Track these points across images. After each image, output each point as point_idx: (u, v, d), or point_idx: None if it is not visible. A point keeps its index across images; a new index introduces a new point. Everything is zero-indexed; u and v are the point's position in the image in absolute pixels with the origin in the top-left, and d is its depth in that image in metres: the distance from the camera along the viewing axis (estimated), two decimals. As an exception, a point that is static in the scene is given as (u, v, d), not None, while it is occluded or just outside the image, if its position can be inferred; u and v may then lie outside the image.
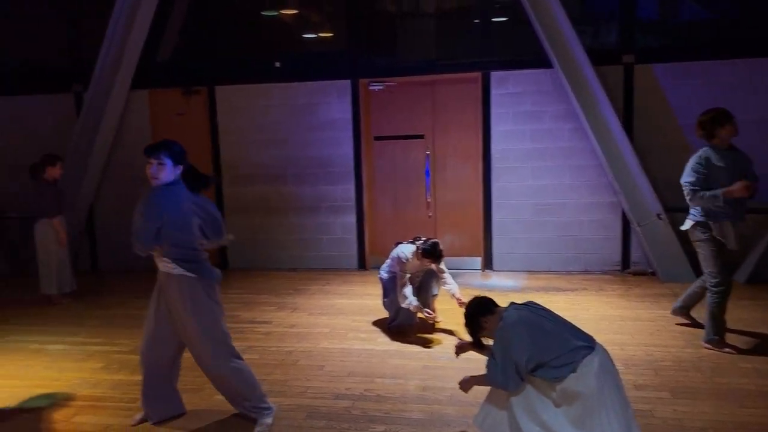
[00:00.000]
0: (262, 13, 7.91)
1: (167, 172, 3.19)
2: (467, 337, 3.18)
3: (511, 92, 7.02)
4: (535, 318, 2.88)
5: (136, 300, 6.44)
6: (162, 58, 7.84)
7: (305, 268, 7.64)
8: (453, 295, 4.98)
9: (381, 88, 7.45)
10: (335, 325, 5.40)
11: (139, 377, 4.31)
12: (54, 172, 6.25)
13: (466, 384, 3.10)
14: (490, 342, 2.99)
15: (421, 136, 7.45)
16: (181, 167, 3.26)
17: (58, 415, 3.77)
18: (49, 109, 7.90)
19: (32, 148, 7.89)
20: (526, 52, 6.94)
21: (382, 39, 7.74)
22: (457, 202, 7.47)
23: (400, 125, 7.48)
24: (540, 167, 7.03)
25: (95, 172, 7.68)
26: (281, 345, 4.92)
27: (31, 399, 4.01)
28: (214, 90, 7.61)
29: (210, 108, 7.65)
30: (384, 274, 5.22)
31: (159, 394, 3.54)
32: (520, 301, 3.04)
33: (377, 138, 7.56)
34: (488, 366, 2.92)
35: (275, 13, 7.92)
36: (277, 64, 7.50)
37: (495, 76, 7.03)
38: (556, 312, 3.00)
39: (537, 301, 3.06)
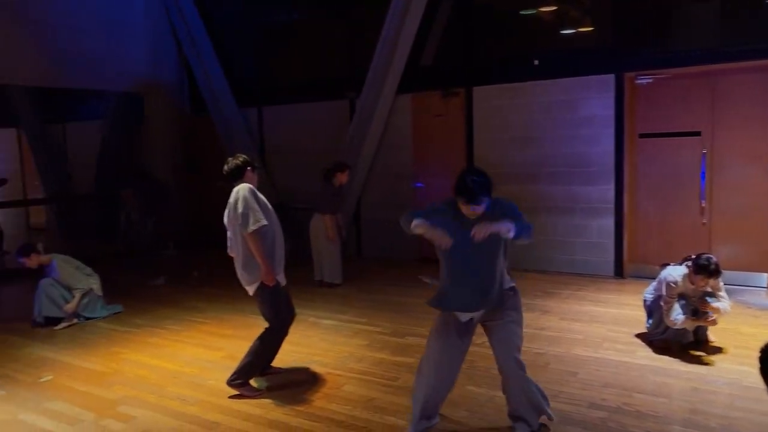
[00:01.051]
0: (521, 12, 7.90)
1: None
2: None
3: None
4: None
5: (393, 287, 6.99)
6: (424, 63, 8.33)
7: (555, 270, 7.42)
8: (717, 310, 4.39)
9: (649, 81, 6.86)
10: (589, 333, 5.14)
11: (399, 358, 4.68)
12: (342, 177, 7.07)
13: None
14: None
15: (696, 133, 6.66)
16: None
17: (331, 383, 4.26)
18: (329, 114, 8.97)
19: (314, 148, 9.13)
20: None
21: (651, 29, 7.12)
22: (739, 208, 6.52)
23: (671, 121, 6.79)
24: None
25: (363, 170, 8.50)
26: (531, 346, 4.85)
27: (310, 364, 4.59)
28: (472, 91, 7.83)
29: (467, 109, 7.89)
30: (648, 296, 4.81)
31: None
32: None
33: (642, 135, 6.98)
34: None
35: (533, 12, 7.84)
36: (536, 62, 7.40)
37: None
38: None
39: None
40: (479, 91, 7.79)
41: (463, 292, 3.17)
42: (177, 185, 10.08)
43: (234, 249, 4.17)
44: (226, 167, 4.13)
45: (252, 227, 3.90)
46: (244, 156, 4.22)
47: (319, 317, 5.85)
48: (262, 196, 4.07)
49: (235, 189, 4.05)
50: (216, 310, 6.26)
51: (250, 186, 4.04)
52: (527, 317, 5.54)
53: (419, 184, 8.30)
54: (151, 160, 9.97)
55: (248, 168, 4.14)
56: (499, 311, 3.25)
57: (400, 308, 6.09)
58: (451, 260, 3.17)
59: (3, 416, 3.90)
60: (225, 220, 4.15)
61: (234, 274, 4.19)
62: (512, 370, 3.28)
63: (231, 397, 4.04)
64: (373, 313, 5.96)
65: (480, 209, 3.05)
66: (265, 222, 3.96)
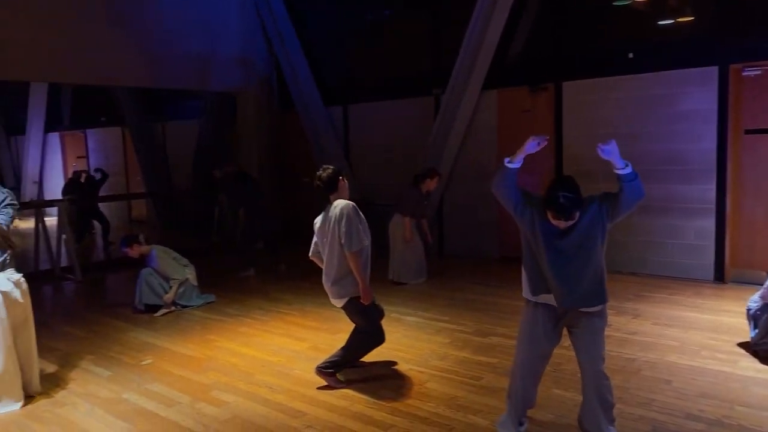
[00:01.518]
0: (614, 3, 7.55)
1: None
2: None
3: None
4: None
5: (476, 286, 6.92)
6: (511, 58, 8.16)
7: (647, 273, 7.07)
8: None
9: (757, 73, 6.38)
10: (686, 340, 4.86)
11: (482, 357, 4.63)
12: (431, 184, 7.10)
13: None
14: None
15: (811, 128, 6.15)
16: None
17: (413, 379, 4.27)
18: (413, 111, 8.98)
19: (398, 145, 9.19)
20: None
21: (759, 16, 6.61)
22: None
23: (782, 116, 6.30)
24: None
25: (447, 167, 8.45)
26: (621, 350, 4.66)
27: (392, 360, 4.63)
28: (561, 86, 7.60)
29: (556, 104, 7.66)
30: (753, 304, 4.48)
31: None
32: None
33: (748, 131, 6.51)
34: None
35: (627, 2, 7.48)
36: (630, 55, 7.08)
37: None
38: None
39: None
40: (569, 86, 7.55)
41: (556, 289, 3.08)
42: (267, 181, 10.45)
43: (318, 256, 4.25)
44: (318, 181, 4.16)
45: (355, 248, 3.98)
46: (333, 166, 4.24)
47: (401, 314, 5.88)
48: (361, 214, 4.11)
49: (337, 204, 4.07)
50: (301, 302, 6.44)
51: (354, 204, 4.07)
52: (617, 320, 5.37)
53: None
54: (243, 157, 10.37)
55: (340, 177, 4.19)
56: (586, 316, 3.13)
57: (484, 307, 6.02)
58: (542, 256, 3.08)
59: (109, 395, 4.20)
60: (317, 226, 4.22)
61: (317, 270, 4.29)
62: (595, 381, 3.14)
63: (319, 388, 4.14)
64: (455, 311, 5.93)
65: (572, 222, 2.98)
66: (368, 243, 4.05)
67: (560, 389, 3.95)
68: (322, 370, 4.17)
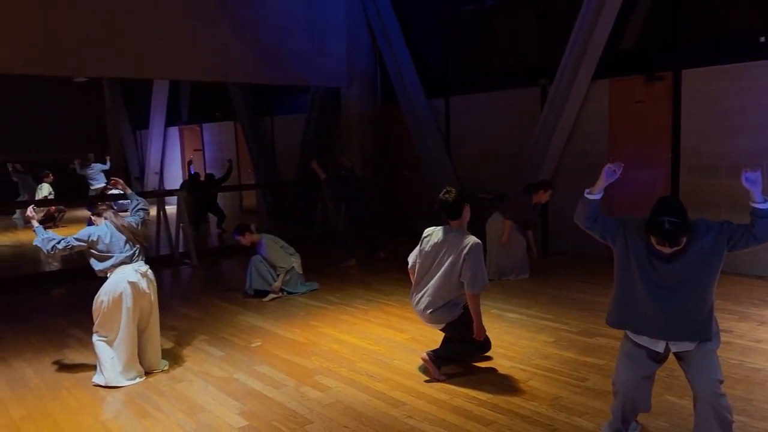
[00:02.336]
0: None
1: None
2: None
3: None
4: None
5: (582, 284, 6.66)
6: (625, 45, 7.74)
7: (776, 277, 6.50)
8: None
9: None
10: (821, 351, 4.42)
11: (587, 358, 4.46)
12: (543, 197, 6.91)
13: None
14: None
15: None
16: None
17: (515, 377, 4.18)
18: (518, 102, 8.76)
19: (501, 137, 9.01)
20: None
21: None
22: None
23: None
24: None
25: (553, 160, 8.17)
26: (744, 359, 4.31)
27: (493, 356, 4.55)
28: (680, 74, 7.10)
29: (673, 94, 7.17)
30: None
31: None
32: None
33: None
34: None
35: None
36: (762, 39, 6.48)
37: None
38: None
39: None
40: (689, 74, 7.04)
41: (654, 320, 2.87)
42: (369, 174, 10.62)
43: (420, 273, 4.17)
44: (442, 204, 4.09)
45: (478, 289, 3.98)
46: (455, 189, 4.12)
47: (502, 310, 5.78)
48: None
49: (467, 240, 3.98)
50: (400, 293, 6.48)
51: (480, 243, 4.02)
52: (741, 327, 4.98)
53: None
54: (347, 150, 10.60)
55: (465, 204, 4.09)
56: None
57: (589, 306, 5.77)
58: (641, 284, 2.88)
59: (221, 374, 4.45)
60: (428, 242, 4.13)
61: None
62: (711, 401, 2.82)
63: (426, 381, 4.15)
64: (560, 309, 5.73)
65: (677, 248, 2.75)
66: (488, 282, 4.04)
67: (674, 396, 3.72)
68: (434, 357, 4.14)
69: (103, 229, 4.32)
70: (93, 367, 4.44)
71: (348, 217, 8.36)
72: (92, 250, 4.29)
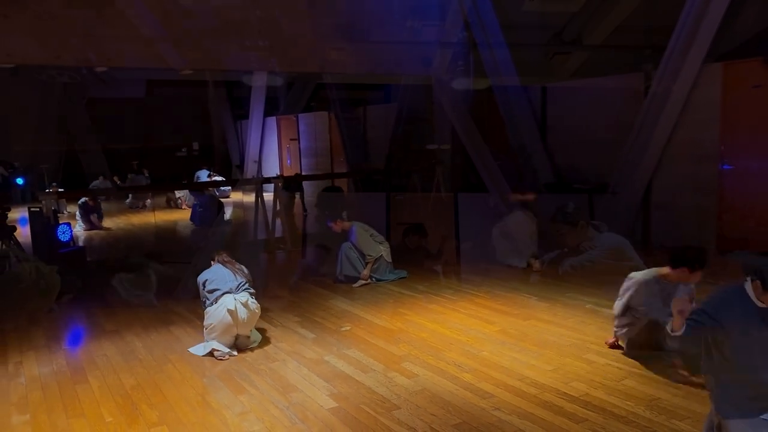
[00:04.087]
0: None
1: None
2: None
3: None
4: None
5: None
6: (740, 26, 7.14)
7: None
8: None
9: None
10: None
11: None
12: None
13: None
14: None
15: None
16: None
17: (609, 374, 4.01)
18: (619, 88, 8.34)
19: (600, 125, 8.62)
20: None
21: None
22: None
23: None
24: None
25: (657, 148, 7.71)
26: None
27: (586, 352, 4.40)
28: (806, 55, 6.48)
29: (797, 77, 6.56)
30: None
31: None
32: None
33: None
34: None
35: None
36: None
37: None
38: None
39: None
40: (816, 55, 6.40)
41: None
42: (459, 164, 10.53)
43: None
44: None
45: None
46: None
47: (598, 305, 5.55)
48: None
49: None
50: (489, 285, 6.38)
51: None
52: None
53: (727, 167, 7.21)
54: (438, 140, 10.55)
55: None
56: None
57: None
58: (751, 363, 2.66)
59: (312, 355, 4.59)
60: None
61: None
62: None
63: (515, 375, 4.09)
64: (660, 306, 5.42)
65: None
66: None
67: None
68: None
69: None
70: (194, 344, 4.74)
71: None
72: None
